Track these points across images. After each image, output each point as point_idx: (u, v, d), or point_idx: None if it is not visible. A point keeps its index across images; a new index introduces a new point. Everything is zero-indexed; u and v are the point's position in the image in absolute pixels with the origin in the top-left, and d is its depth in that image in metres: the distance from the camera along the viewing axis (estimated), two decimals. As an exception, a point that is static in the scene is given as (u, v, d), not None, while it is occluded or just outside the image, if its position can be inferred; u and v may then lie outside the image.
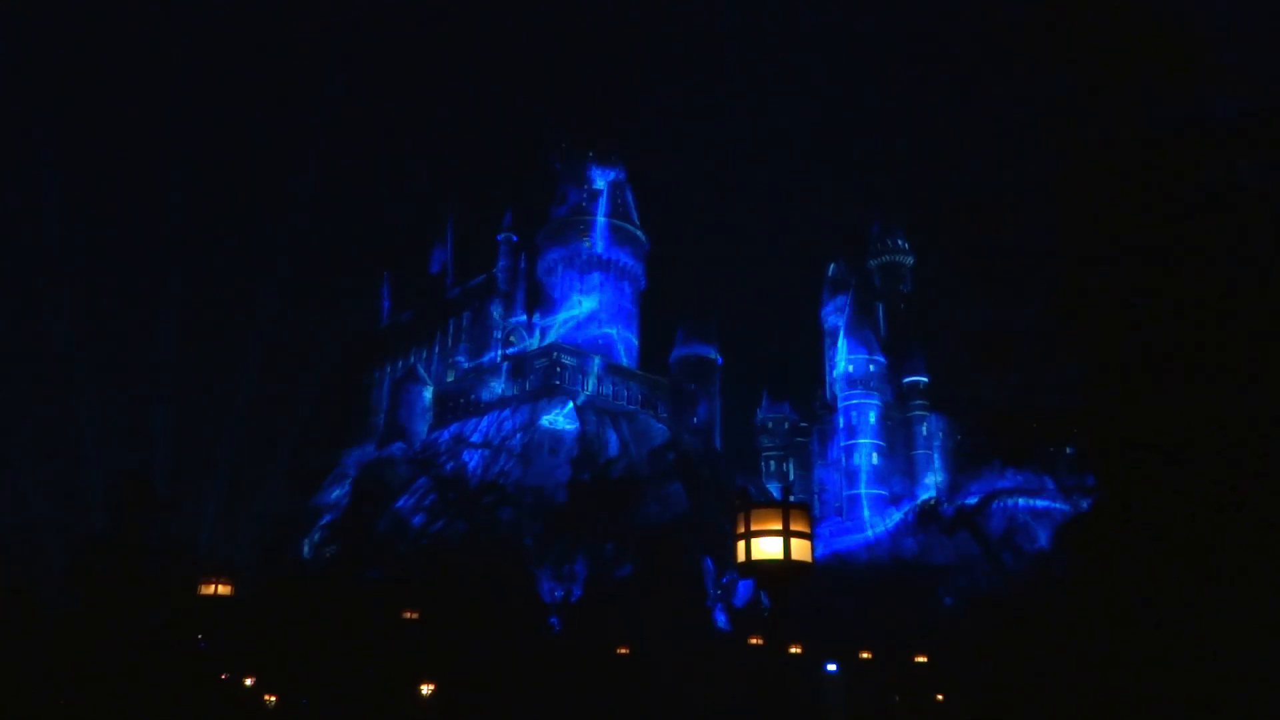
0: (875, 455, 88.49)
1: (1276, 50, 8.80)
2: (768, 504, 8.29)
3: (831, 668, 43.01)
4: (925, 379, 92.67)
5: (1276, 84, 8.72)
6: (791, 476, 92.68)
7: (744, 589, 68.59)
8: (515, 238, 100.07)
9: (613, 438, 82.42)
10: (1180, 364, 9.00)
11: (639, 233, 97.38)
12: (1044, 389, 10.53)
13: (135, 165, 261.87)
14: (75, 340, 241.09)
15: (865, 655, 44.70)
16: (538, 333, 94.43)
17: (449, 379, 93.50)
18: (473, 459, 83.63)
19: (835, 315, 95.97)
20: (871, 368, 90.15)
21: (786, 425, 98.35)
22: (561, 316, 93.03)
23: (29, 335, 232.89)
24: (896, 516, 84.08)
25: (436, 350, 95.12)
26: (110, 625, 28.09)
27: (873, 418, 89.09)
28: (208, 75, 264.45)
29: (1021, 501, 65.97)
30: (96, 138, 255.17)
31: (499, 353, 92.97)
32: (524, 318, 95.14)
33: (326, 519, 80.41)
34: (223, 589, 16.84)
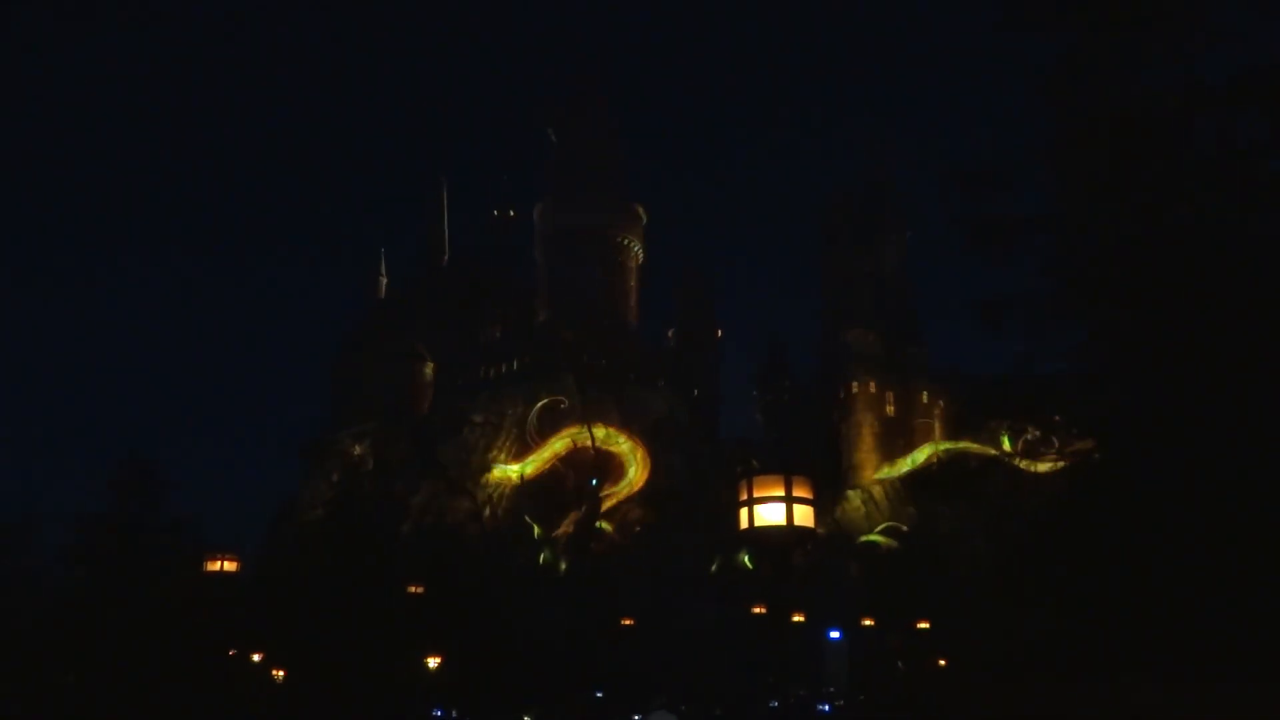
0: (876, 424, 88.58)
1: (1269, 6, 8.74)
2: (770, 471, 8.31)
3: (834, 635, 43.33)
4: (924, 347, 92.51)
5: (1270, 40, 8.67)
6: (793, 447, 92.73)
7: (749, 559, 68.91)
8: (512, 211, 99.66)
9: (613, 411, 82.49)
10: (1178, 328, 9.00)
11: (636, 205, 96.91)
12: (1043, 355, 10.56)
13: (129, 140, 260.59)
14: (77, 319, 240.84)
15: (868, 622, 45.03)
16: (537, 307, 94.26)
17: (448, 354, 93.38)
18: (473, 434, 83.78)
19: (833, 285, 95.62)
20: (870, 337, 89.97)
21: (787, 396, 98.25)
22: (559, 290, 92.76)
23: (30, 316, 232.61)
24: (897, 484, 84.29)
25: (434, 325, 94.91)
26: (114, 604, 28.21)
27: (873, 387, 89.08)
28: (201, 57, 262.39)
29: (1021, 467, 66.06)
30: (87, 118, 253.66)
31: (498, 328, 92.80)
32: (521, 292, 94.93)
33: (329, 495, 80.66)
34: (228, 565, 17.02)
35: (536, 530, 75.25)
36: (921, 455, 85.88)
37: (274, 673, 34.18)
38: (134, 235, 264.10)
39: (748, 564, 67.08)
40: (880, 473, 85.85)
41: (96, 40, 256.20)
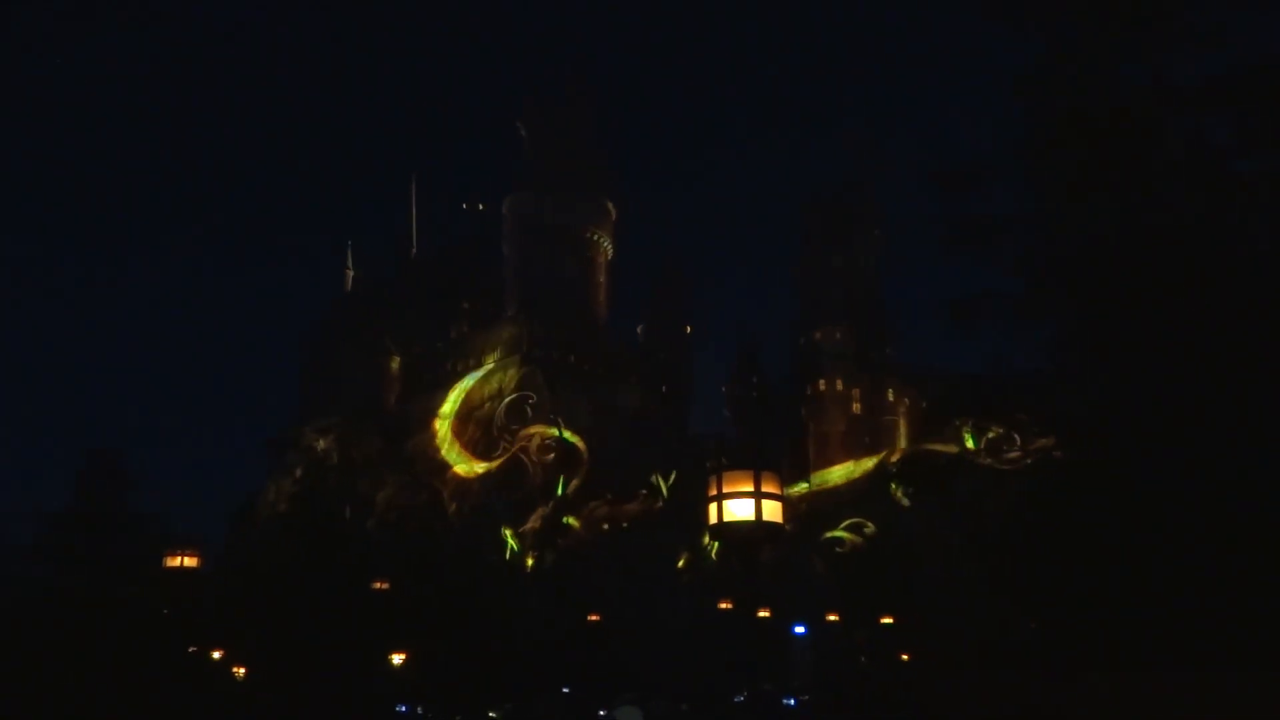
0: (843, 422, 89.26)
1: (1240, 9, 8.84)
2: (739, 466, 8.27)
3: (800, 630, 43.59)
4: (892, 345, 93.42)
5: (1241, 42, 8.77)
6: (762, 444, 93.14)
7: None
8: (481, 206, 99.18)
9: (583, 407, 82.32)
10: (1148, 326, 9.09)
11: (608, 202, 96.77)
12: (1013, 353, 10.63)
13: (92, 135, 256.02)
14: (39, 313, 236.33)
15: (832, 617, 45.37)
16: (506, 302, 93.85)
17: (416, 348, 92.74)
18: (441, 430, 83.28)
19: (807, 283, 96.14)
20: (838, 335, 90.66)
21: (755, 393, 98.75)
22: (530, 286, 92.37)
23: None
24: (864, 481, 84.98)
25: (403, 319, 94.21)
26: (76, 600, 27.73)
27: (840, 385, 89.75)
28: (169, 52, 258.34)
29: (988, 463, 66.85)
30: (47, 114, 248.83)
31: (467, 321, 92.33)
32: (491, 287, 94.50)
33: (293, 490, 79.85)
34: (189, 561, 16.70)
35: (504, 526, 75.00)
36: (888, 453, 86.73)
37: (235, 669, 33.73)
38: (98, 228, 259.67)
39: (714, 558, 67.34)
40: (846, 469, 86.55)
41: (60, 35, 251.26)
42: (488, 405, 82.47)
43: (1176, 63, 9.35)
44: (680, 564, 72.09)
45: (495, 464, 79.53)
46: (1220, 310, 8.01)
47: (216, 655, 32.67)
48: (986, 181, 9.45)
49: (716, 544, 61.19)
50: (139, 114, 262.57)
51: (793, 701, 35.02)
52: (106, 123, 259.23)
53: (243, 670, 34.10)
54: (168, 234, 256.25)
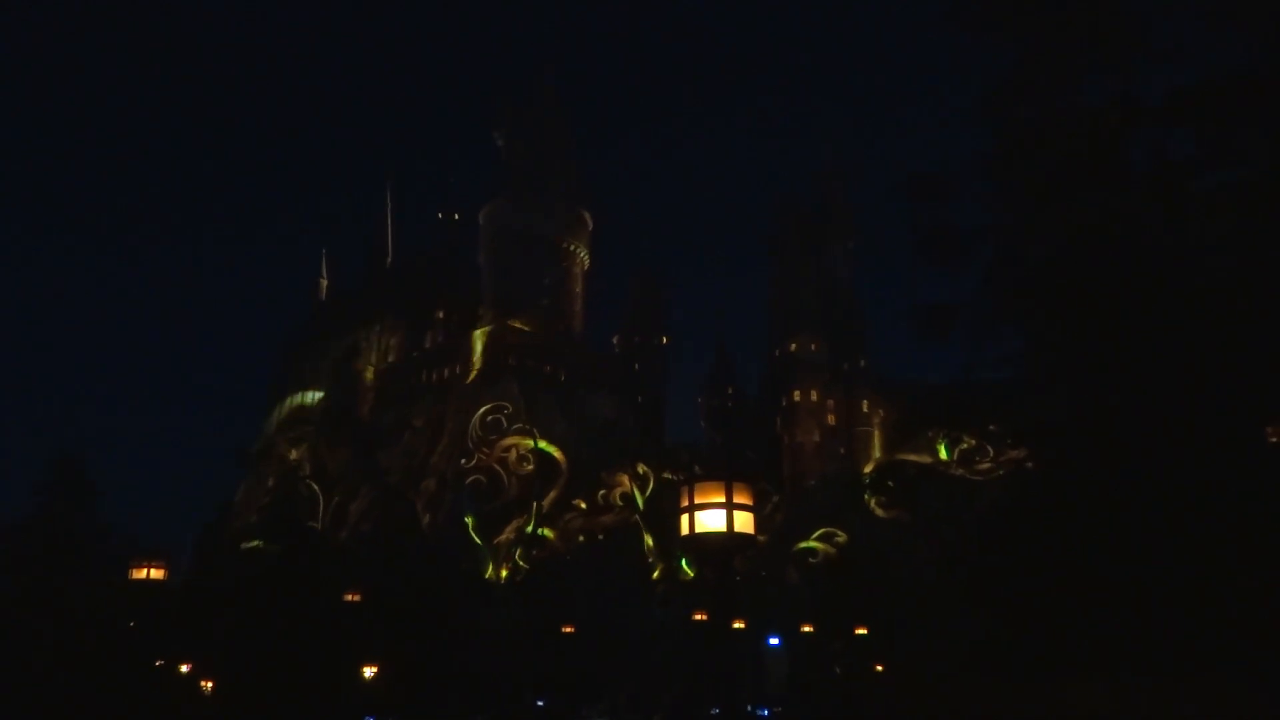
0: (817, 433, 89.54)
1: (1204, 25, 9.00)
2: (711, 477, 8.26)
3: (774, 641, 43.58)
4: (866, 356, 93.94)
5: (1205, 57, 8.93)
6: (737, 454, 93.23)
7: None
8: (457, 215, 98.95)
9: (558, 417, 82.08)
10: (1113, 337, 9.20)
11: (585, 212, 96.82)
12: (983, 364, 10.72)
13: (67, 137, 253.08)
14: (2, 319, 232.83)
15: (807, 628, 45.39)
16: (481, 311, 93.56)
17: (391, 358, 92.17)
18: (415, 439, 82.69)
19: (780, 294, 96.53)
20: (813, 346, 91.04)
21: (731, 404, 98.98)
22: (506, 295, 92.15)
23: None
24: (837, 491, 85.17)
25: (378, 328, 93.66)
26: (39, 612, 27.26)
27: (815, 395, 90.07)
28: (135, 47, 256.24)
29: (959, 474, 67.25)
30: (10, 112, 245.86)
31: (442, 332, 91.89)
32: (466, 296, 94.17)
33: (265, 501, 79.06)
34: (155, 573, 16.44)
35: (478, 538, 74.54)
36: (864, 465, 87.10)
37: (202, 684, 33.23)
38: (66, 230, 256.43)
39: (686, 569, 67.27)
40: (821, 481, 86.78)
41: (24, 31, 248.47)
42: (462, 416, 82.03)
43: (1141, 77, 9.52)
44: (655, 575, 71.91)
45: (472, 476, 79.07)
46: (1183, 321, 8.13)
47: (185, 668, 32.19)
48: (955, 191, 9.57)
49: (686, 556, 61.15)
50: (110, 120, 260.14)
51: (766, 712, 34.99)
52: (76, 128, 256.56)
53: (210, 683, 33.62)
54: (139, 240, 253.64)
